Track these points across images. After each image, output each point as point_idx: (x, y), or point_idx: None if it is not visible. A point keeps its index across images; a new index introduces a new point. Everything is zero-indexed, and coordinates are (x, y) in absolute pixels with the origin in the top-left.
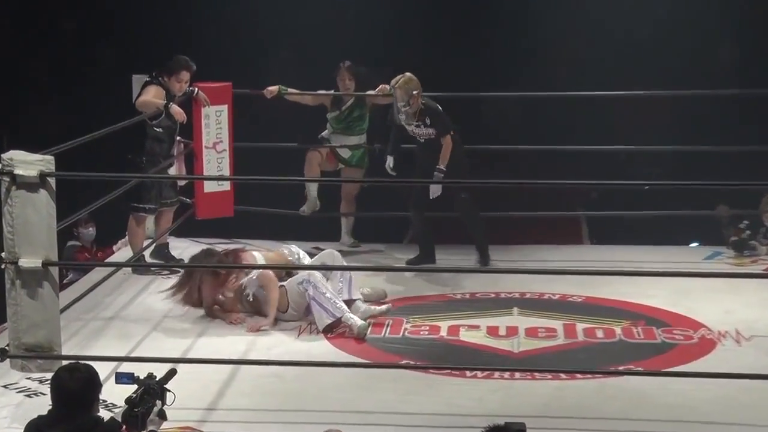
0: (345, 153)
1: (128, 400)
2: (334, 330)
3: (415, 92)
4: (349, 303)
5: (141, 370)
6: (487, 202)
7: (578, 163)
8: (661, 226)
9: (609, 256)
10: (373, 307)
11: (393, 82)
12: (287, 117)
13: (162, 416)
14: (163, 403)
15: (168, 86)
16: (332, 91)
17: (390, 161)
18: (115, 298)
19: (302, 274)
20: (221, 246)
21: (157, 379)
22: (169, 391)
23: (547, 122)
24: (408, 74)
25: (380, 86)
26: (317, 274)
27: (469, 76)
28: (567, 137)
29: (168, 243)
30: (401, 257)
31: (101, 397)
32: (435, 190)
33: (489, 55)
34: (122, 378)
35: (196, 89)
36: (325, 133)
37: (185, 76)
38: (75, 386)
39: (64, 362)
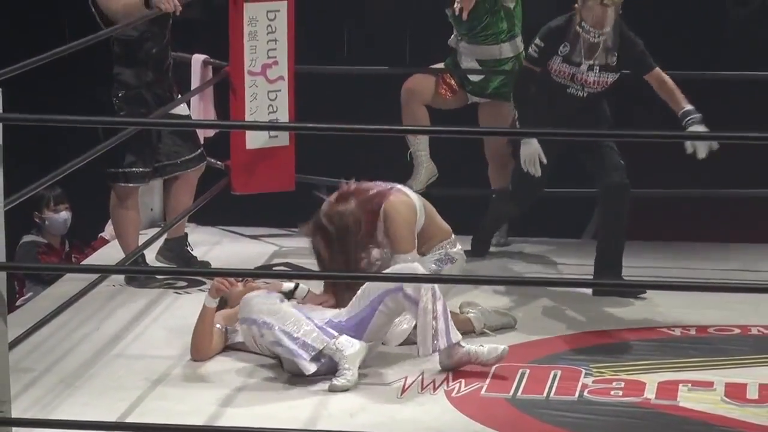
0: (476, 76)
1: None
2: (462, 384)
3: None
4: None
5: None
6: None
7: None
8: None
9: None
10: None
11: None
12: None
13: None
14: None
15: None
16: None
17: None
18: (99, 326)
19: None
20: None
21: None
22: None
23: None
24: None
25: None
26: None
27: None
28: None
29: (186, 234)
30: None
31: None
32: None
33: None
34: None
35: None
36: (452, 40)
37: None
38: None
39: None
